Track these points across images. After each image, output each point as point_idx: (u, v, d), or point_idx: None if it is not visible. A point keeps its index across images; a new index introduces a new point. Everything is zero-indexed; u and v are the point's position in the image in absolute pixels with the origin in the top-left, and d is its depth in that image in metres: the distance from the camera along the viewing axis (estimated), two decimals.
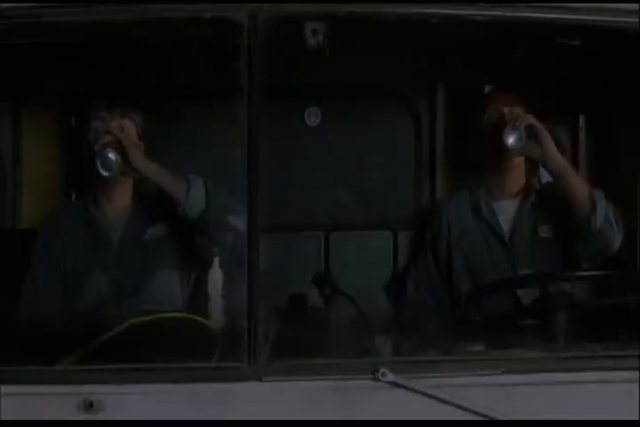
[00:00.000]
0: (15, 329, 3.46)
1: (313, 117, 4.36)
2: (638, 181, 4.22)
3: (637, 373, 2.89)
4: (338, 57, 3.03)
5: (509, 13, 3.03)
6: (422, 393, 2.81)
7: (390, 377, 2.81)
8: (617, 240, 3.85)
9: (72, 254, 3.90)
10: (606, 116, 4.36)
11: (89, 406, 2.75)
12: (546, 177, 4.32)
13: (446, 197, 4.37)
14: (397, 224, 4.42)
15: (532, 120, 3.88)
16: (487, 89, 4.39)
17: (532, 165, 4.20)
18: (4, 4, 2.93)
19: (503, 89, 4.19)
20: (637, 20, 3.07)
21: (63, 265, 3.90)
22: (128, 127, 3.90)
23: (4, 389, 2.75)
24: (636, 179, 4.22)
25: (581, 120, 4.52)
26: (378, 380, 2.82)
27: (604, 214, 3.82)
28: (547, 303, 3.41)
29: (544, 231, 4.06)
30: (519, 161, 4.11)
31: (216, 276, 3.39)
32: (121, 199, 3.98)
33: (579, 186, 3.86)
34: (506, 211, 4.14)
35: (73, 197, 4.30)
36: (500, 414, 2.82)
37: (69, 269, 3.88)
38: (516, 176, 4.16)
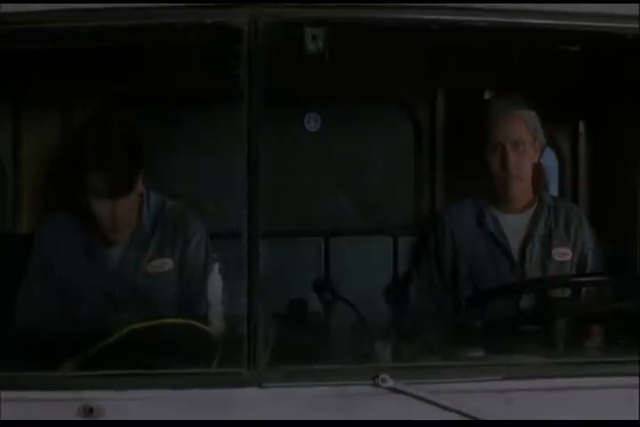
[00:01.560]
0: (15, 334, 3.46)
1: (313, 123, 4.36)
2: (638, 186, 4.23)
3: (637, 378, 2.89)
4: (338, 62, 3.03)
5: (509, 19, 3.03)
6: (422, 399, 2.81)
7: (390, 383, 2.81)
8: None
9: (68, 260, 3.88)
10: (606, 122, 4.37)
11: (89, 411, 2.75)
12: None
13: (450, 204, 4.33)
14: (397, 229, 4.41)
15: None
16: (487, 95, 4.39)
17: (540, 178, 4.18)
18: (3, 7, 2.93)
19: (505, 100, 4.17)
20: (637, 25, 3.07)
21: (59, 270, 3.88)
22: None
23: (4, 395, 2.74)
24: (636, 183, 4.23)
25: (581, 125, 4.52)
26: (378, 386, 2.81)
27: None
28: (547, 309, 3.42)
29: (558, 255, 4.04)
30: (526, 174, 4.10)
31: (216, 281, 3.40)
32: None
33: None
34: (513, 226, 4.11)
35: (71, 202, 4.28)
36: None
37: (66, 274, 3.87)
38: (523, 190, 4.12)
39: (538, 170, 4.19)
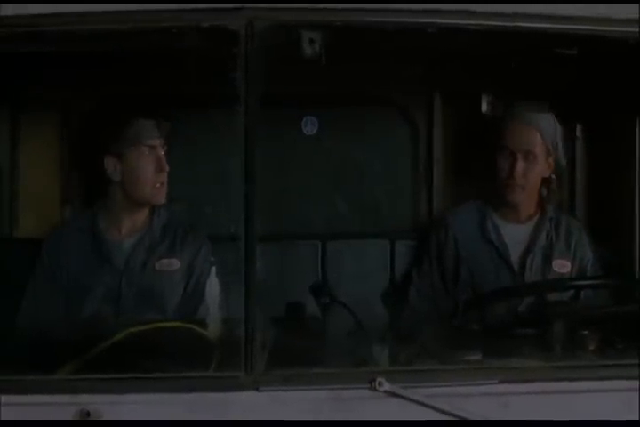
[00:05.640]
0: (12, 338, 3.45)
1: (310, 126, 4.36)
2: (636, 189, 4.23)
3: (637, 382, 2.88)
4: (335, 65, 3.03)
5: (507, 23, 3.03)
6: (419, 402, 2.81)
7: (387, 386, 2.81)
8: None
9: (75, 266, 3.89)
10: (604, 126, 4.36)
11: (86, 415, 2.75)
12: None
13: (454, 207, 4.30)
14: (395, 233, 4.41)
15: None
16: (485, 99, 4.38)
17: (548, 193, 4.17)
18: (3, 9, 2.93)
19: (526, 108, 4.14)
20: (637, 29, 3.07)
21: (66, 276, 3.88)
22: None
23: (3, 398, 2.74)
24: (634, 187, 4.23)
25: (578, 129, 4.52)
26: (375, 389, 2.81)
27: None
28: (544, 312, 3.41)
29: (558, 266, 4.04)
30: (530, 186, 4.07)
31: (213, 284, 3.40)
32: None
33: None
34: (514, 235, 4.09)
35: (76, 207, 4.28)
36: None
37: (71, 281, 3.87)
38: (525, 200, 4.10)
39: (547, 185, 4.16)
